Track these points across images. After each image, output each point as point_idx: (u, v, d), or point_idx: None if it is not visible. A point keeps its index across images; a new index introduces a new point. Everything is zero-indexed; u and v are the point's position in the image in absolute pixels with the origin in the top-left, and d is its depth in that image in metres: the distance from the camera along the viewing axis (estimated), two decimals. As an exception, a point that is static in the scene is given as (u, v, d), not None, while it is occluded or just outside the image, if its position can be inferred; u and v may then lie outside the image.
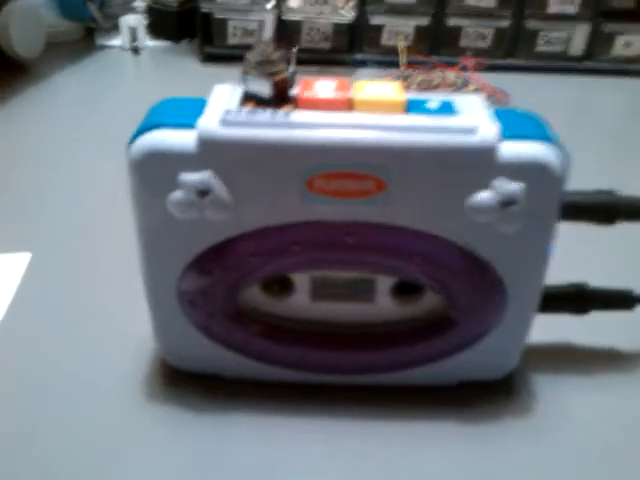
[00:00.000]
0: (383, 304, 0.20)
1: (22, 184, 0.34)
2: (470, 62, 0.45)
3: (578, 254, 0.25)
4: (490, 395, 0.21)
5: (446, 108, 0.18)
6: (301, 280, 0.20)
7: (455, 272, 0.18)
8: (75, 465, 0.19)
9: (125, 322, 0.24)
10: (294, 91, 0.18)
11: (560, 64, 0.51)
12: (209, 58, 0.51)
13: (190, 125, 0.17)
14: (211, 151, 0.17)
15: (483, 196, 0.17)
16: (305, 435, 0.20)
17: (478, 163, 0.17)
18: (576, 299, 0.22)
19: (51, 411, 0.21)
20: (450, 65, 0.46)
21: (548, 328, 0.22)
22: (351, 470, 0.19)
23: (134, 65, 0.53)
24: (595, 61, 0.51)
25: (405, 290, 0.20)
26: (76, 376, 0.22)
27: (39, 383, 0.22)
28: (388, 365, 0.21)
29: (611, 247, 0.28)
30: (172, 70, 0.51)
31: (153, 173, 0.17)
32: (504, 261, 0.18)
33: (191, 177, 0.17)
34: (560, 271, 0.21)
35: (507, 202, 0.17)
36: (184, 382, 0.21)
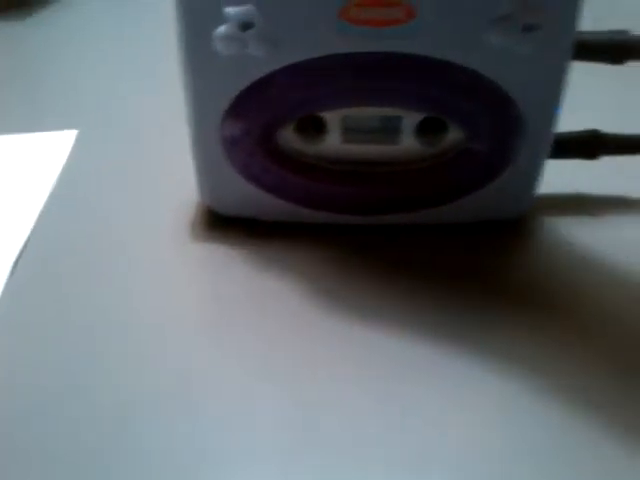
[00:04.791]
0: (408, 145, 0.23)
1: (63, 61, 0.38)
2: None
3: (591, 103, 0.28)
4: (502, 233, 0.25)
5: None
6: (333, 121, 0.23)
7: (480, 103, 0.21)
8: (129, 296, 0.23)
9: (171, 180, 0.27)
10: None
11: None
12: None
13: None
14: (253, -15, 0.20)
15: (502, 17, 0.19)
16: (332, 262, 0.24)
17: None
18: (588, 143, 0.25)
19: (104, 261, 0.24)
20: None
21: (559, 180, 0.25)
22: (378, 279, 0.23)
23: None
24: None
25: (429, 130, 0.23)
26: (126, 227, 0.26)
27: (94, 237, 0.25)
28: (410, 202, 0.24)
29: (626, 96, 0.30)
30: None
31: (198, 7, 0.20)
32: (523, 93, 0.21)
33: (235, 10, 0.20)
34: (572, 119, 0.23)
35: (529, 26, 0.19)
36: (225, 224, 0.25)
